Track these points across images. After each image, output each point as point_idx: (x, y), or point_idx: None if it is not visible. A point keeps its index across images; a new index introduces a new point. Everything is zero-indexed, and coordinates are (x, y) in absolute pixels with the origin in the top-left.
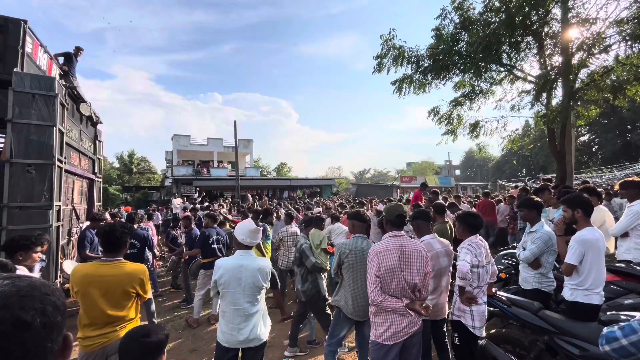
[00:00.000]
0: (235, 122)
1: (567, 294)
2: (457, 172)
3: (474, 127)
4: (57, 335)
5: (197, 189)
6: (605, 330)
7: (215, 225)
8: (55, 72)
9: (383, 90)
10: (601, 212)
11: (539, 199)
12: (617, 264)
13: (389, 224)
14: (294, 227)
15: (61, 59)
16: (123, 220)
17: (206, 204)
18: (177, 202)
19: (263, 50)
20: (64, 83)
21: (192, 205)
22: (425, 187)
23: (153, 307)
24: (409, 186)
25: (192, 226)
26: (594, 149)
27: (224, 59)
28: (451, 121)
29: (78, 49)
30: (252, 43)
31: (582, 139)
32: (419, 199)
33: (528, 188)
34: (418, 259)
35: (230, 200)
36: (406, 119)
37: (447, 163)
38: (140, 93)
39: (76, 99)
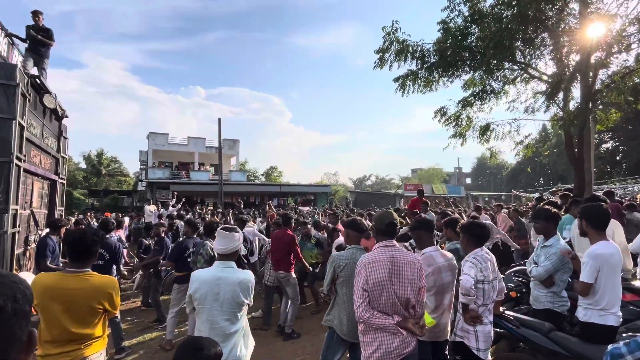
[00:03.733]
0: (219, 119)
1: (581, 314)
2: (468, 180)
3: (485, 130)
4: (25, 325)
5: (175, 193)
6: (610, 346)
7: (195, 236)
8: (16, 59)
9: (386, 88)
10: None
11: (556, 210)
12: (635, 283)
13: (380, 233)
14: None
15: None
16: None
17: (183, 212)
18: (150, 209)
19: (253, 41)
20: (26, 72)
21: (167, 212)
22: (422, 194)
23: (120, 324)
24: (413, 195)
25: (163, 235)
26: (617, 157)
27: (209, 49)
28: (460, 123)
29: (35, 14)
30: (241, 32)
31: (604, 146)
32: (416, 206)
33: (544, 198)
34: (411, 271)
35: (212, 207)
36: (411, 120)
37: (457, 170)
38: (113, 85)
39: (39, 89)
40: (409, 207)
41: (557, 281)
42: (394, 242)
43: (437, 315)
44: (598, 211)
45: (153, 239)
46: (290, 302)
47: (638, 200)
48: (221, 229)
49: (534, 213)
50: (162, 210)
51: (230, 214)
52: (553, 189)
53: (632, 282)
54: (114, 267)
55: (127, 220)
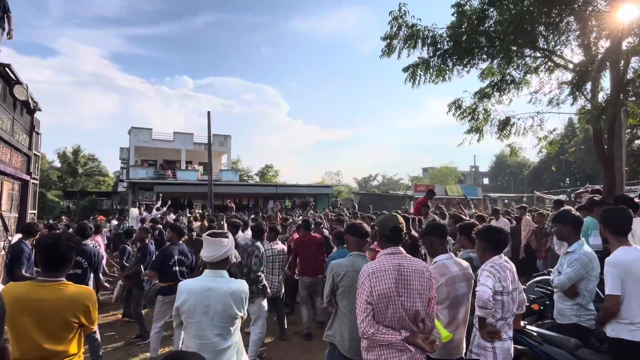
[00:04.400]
0: (209, 113)
1: (609, 329)
2: (485, 180)
3: (504, 125)
4: None
5: (161, 195)
6: None
7: (180, 242)
8: None
9: (394, 78)
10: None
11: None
12: None
13: (384, 239)
14: (280, 245)
15: None
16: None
17: (172, 215)
18: (135, 211)
19: (246, 25)
20: None
21: (150, 216)
22: (432, 195)
23: (99, 341)
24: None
25: (147, 241)
26: None
27: (197, 35)
28: (476, 116)
29: None
30: (232, 15)
31: (637, 142)
32: (420, 210)
33: (563, 200)
34: (419, 281)
35: (202, 210)
36: (423, 114)
37: (473, 169)
38: (91, 74)
39: (9, 79)
40: (415, 211)
41: (582, 291)
42: (400, 248)
43: (451, 331)
44: (617, 215)
45: (136, 245)
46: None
47: None
48: (207, 234)
49: (554, 216)
50: (144, 213)
51: (224, 219)
52: (580, 190)
53: None
54: (92, 276)
55: (114, 223)
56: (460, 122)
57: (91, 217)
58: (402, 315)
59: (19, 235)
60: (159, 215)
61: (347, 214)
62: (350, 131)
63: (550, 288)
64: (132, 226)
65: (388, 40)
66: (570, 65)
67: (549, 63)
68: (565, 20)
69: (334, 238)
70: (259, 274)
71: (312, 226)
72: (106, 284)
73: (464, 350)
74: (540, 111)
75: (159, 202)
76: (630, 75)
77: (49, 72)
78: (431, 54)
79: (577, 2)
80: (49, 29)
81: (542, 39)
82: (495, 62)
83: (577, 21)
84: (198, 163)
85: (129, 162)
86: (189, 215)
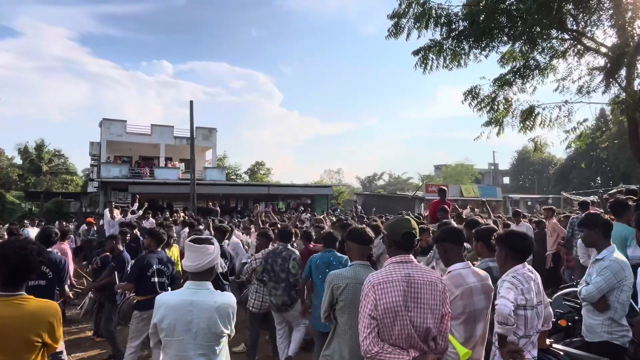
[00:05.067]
0: (191, 102)
1: None
2: (506, 179)
3: (527, 116)
4: None
5: (137, 197)
6: None
7: (159, 249)
8: None
9: (402, 64)
10: None
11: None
12: None
13: (393, 245)
14: None
15: None
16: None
17: (152, 219)
18: (108, 214)
19: (234, 3)
20: None
21: (126, 219)
22: (443, 194)
23: None
24: (437, 198)
25: (121, 248)
26: None
27: (178, 13)
28: (495, 107)
29: None
30: None
31: None
32: (436, 212)
33: (589, 202)
34: (431, 294)
35: (184, 213)
36: (435, 104)
37: (492, 167)
38: (57, 58)
39: None
40: (430, 213)
41: (614, 304)
42: (411, 257)
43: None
44: None
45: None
46: None
47: None
48: (190, 240)
49: (580, 220)
50: (118, 217)
51: (211, 226)
52: (613, 190)
53: None
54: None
55: (84, 228)
56: (477, 114)
57: (57, 222)
58: (410, 333)
59: None
60: (134, 220)
61: (351, 218)
62: (353, 124)
63: (579, 301)
64: (105, 230)
65: (396, 19)
66: (603, 49)
67: (578, 46)
68: None
69: (323, 239)
70: (298, 277)
71: (314, 236)
72: (70, 295)
73: None
74: (569, 100)
75: (135, 205)
76: None
77: (8, 55)
78: (445, 36)
79: None
80: (8, 5)
81: (571, 19)
82: (517, 45)
83: None
84: (179, 160)
85: (100, 159)
86: (171, 219)
